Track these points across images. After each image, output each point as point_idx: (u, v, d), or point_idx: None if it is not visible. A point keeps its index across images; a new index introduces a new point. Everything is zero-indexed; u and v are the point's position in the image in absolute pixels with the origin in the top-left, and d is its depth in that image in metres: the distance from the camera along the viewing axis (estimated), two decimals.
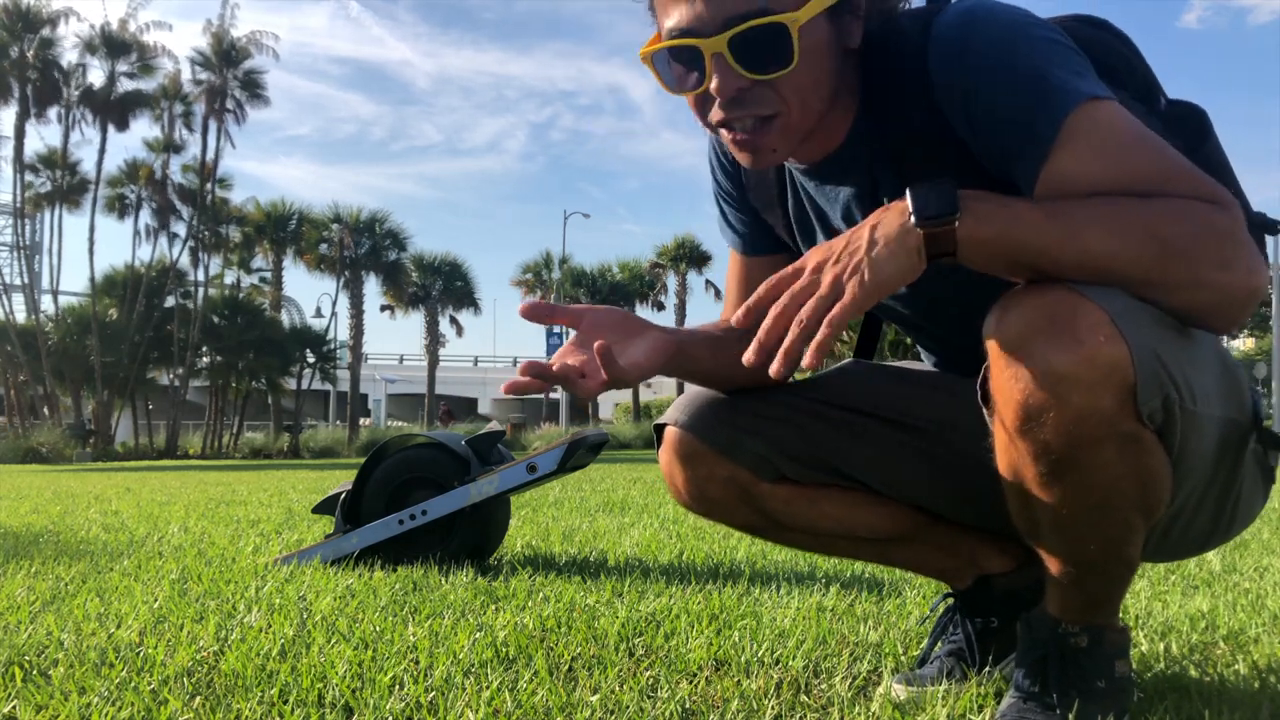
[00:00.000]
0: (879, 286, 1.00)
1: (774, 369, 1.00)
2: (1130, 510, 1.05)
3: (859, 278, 1.00)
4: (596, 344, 1.07)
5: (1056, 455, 1.01)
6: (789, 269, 1.06)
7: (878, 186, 1.21)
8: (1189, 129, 1.19)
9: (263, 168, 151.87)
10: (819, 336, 0.98)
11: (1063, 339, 0.97)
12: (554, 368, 1.09)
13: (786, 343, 1.00)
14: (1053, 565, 1.13)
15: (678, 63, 1.12)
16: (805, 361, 0.99)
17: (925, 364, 1.49)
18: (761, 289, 1.06)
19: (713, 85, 1.09)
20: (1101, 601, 1.13)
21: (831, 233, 1.29)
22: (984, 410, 1.11)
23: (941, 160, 1.12)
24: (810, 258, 1.05)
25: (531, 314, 1.14)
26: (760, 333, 1.02)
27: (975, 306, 1.09)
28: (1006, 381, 1.01)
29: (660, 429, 1.39)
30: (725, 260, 1.49)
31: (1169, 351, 1.00)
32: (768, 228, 1.40)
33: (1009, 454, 1.06)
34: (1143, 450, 1.01)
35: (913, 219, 1.00)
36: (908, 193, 1.02)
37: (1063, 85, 1.04)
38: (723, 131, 1.15)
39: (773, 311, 1.03)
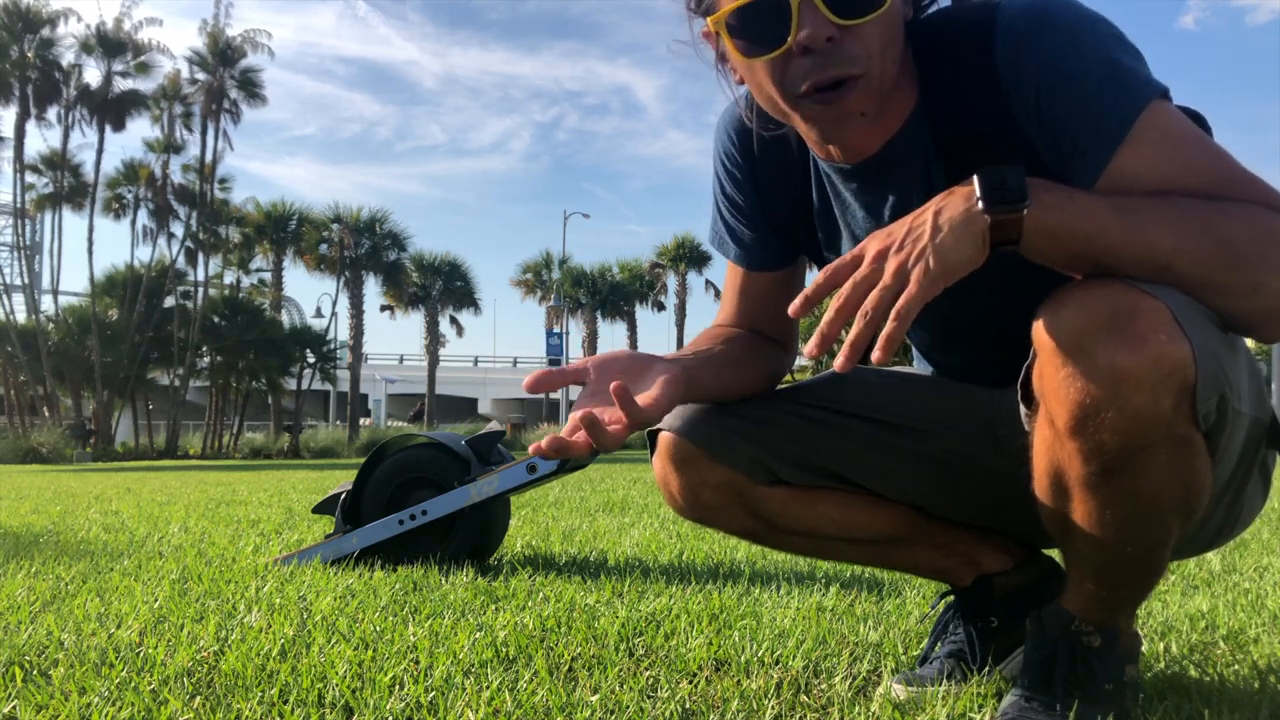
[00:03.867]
0: (945, 274, 0.97)
1: (839, 363, 0.97)
2: (1172, 513, 1.03)
3: (924, 265, 0.97)
4: (613, 384, 1.04)
5: (1109, 457, 0.98)
6: (847, 256, 1.02)
7: (931, 181, 1.17)
8: None
9: (268, 168, 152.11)
10: (887, 330, 0.96)
11: (1125, 337, 0.94)
12: (577, 417, 1.05)
13: (852, 335, 0.97)
14: (1079, 564, 1.11)
15: (756, 22, 1.08)
16: (875, 356, 0.96)
17: (919, 369, 1.48)
18: (820, 277, 1.02)
19: (802, 34, 1.04)
20: (1123, 603, 1.12)
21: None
22: (1023, 409, 1.09)
23: (1001, 154, 1.10)
24: (870, 244, 1.01)
25: (538, 386, 1.12)
26: (823, 324, 0.99)
27: (1007, 311, 1.08)
28: (1062, 380, 0.98)
29: (654, 435, 1.37)
30: (726, 260, 1.46)
31: (1222, 350, 0.98)
32: (776, 242, 1.36)
33: (1054, 454, 1.04)
34: (1193, 452, 0.99)
35: (980, 204, 0.97)
36: (975, 177, 0.99)
37: (1136, 78, 1.04)
38: (804, 104, 1.09)
39: (835, 303, 1.00)
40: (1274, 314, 1.00)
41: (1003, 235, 0.98)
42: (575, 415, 1.05)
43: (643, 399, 1.11)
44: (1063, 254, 1.00)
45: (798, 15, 1.05)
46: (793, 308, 1.03)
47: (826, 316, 0.99)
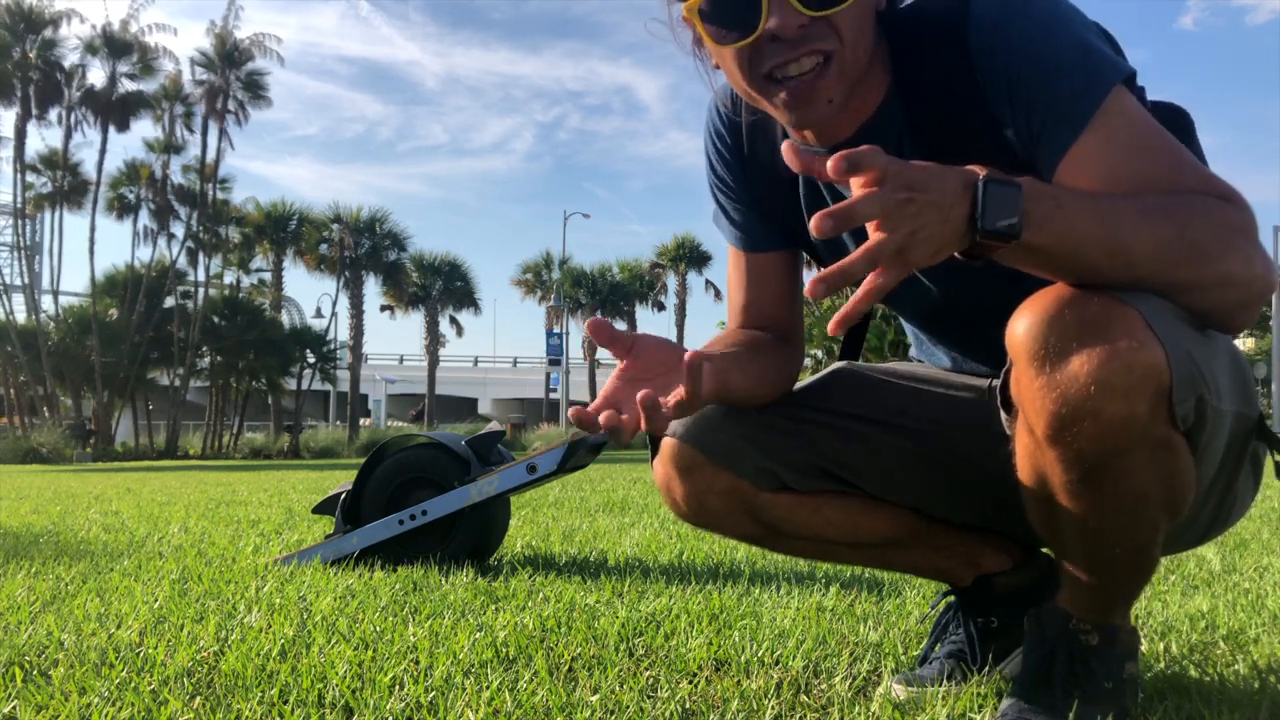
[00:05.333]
0: (925, 259, 0.92)
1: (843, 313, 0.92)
2: (1157, 513, 1.04)
3: (925, 245, 0.90)
4: (640, 394, 0.97)
5: (1089, 463, 0.99)
6: (877, 164, 0.90)
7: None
8: (1172, 130, 1.19)
9: (269, 168, 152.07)
10: (860, 293, 0.91)
11: (1097, 345, 0.94)
12: (601, 418, 0.99)
13: (845, 267, 0.89)
14: (1071, 565, 1.12)
15: (727, 9, 1.09)
16: (831, 328, 0.92)
17: (916, 364, 1.48)
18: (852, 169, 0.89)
19: (772, 23, 1.05)
20: (1118, 600, 1.13)
21: None
22: (1003, 415, 1.09)
23: (973, 141, 1.11)
24: (900, 179, 0.90)
25: (595, 331, 1.05)
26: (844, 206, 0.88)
27: (998, 295, 1.08)
28: (1037, 390, 0.98)
29: (656, 440, 1.35)
30: (725, 260, 1.45)
31: (1198, 349, 0.99)
32: (771, 221, 1.36)
33: (1035, 461, 1.05)
34: (1173, 454, 1.00)
35: (980, 223, 0.92)
36: (980, 187, 0.92)
37: (1104, 61, 1.05)
38: (775, 90, 1.09)
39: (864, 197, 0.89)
40: (1240, 304, 1.01)
41: (979, 252, 0.95)
42: (640, 397, 0.97)
43: (667, 410, 1.03)
44: (1042, 266, 1.00)
45: (767, 4, 1.06)
46: (817, 225, 0.89)
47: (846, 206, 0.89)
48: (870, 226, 0.91)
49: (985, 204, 0.93)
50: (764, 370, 1.32)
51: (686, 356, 1.00)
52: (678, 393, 1.02)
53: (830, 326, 0.93)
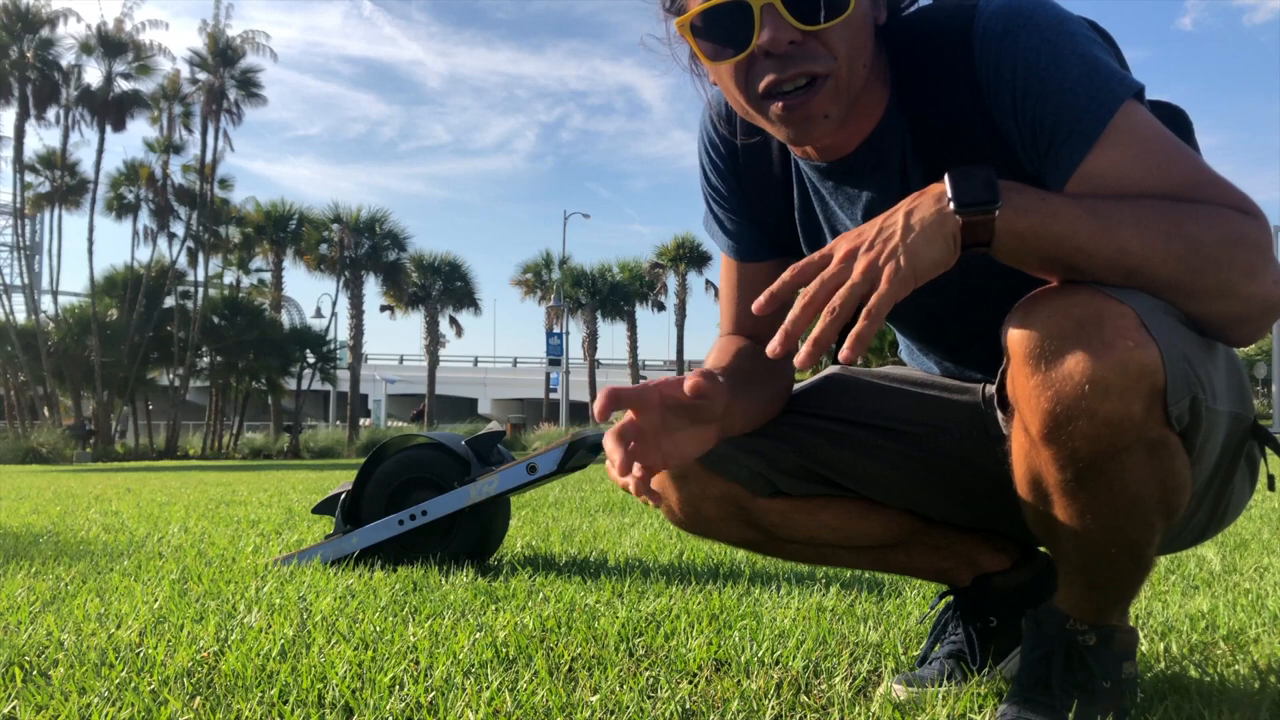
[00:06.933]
0: (915, 274, 0.97)
1: (800, 358, 0.96)
2: (1153, 513, 1.03)
3: (894, 264, 0.96)
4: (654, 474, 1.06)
5: (1084, 463, 0.99)
6: (815, 255, 1.01)
7: (908, 180, 1.17)
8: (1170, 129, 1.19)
9: (271, 168, 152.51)
10: (857, 328, 0.95)
11: (1092, 343, 0.95)
12: (635, 484, 1.06)
13: (817, 331, 0.96)
14: (1066, 566, 1.12)
15: (721, 26, 1.08)
16: (843, 355, 0.94)
17: (907, 368, 1.47)
18: (786, 274, 1.01)
19: (764, 38, 1.05)
20: (1114, 600, 1.13)
21: None
22: (1000, 415, 1.09)
23: (978, 153, 1.11)
24: (839, 244, 1.00)
25: (605, 409, 1.10)
26: (787, 321, 0.98)
27: (988, 306, 1.08)
28: (1033, 389, 0.98)
29: None
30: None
31: (1192, 350, 0.99)
32: (764, 232, 1.36)
33: (1030, 460, 1.05)
34: (1169, 454, 1.00)
35: (951, 205, 0.97)
36: (946, 177, 0.99)
37: (1111, 77, 1.04)
38: (771, 106, 1.10)
39: (800, 299, 0.99)
40: (1241, 316, 1.01)
41: (974, 237, 0.98)
42: (630, 469, 1.07)
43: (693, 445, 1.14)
44: (1034, 256, 1.00)
45: (759, 19, 1.05)
46: (757, 304, 1.01)
47: (791, 314, 0.98)
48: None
49: (956, 182, 0.98)
50: (765, 394, 1.31)
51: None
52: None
53: (842, 354, 0.94)
